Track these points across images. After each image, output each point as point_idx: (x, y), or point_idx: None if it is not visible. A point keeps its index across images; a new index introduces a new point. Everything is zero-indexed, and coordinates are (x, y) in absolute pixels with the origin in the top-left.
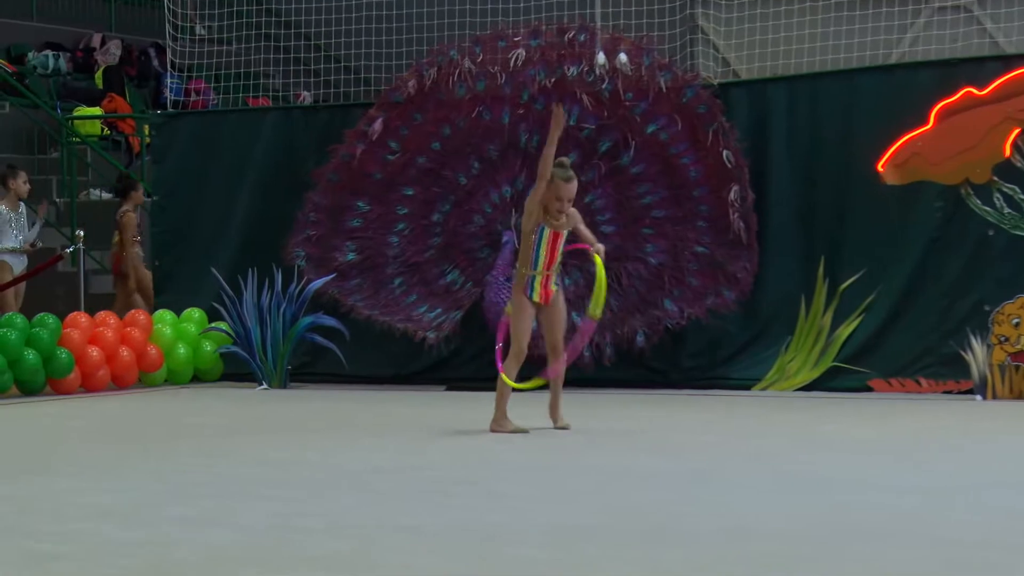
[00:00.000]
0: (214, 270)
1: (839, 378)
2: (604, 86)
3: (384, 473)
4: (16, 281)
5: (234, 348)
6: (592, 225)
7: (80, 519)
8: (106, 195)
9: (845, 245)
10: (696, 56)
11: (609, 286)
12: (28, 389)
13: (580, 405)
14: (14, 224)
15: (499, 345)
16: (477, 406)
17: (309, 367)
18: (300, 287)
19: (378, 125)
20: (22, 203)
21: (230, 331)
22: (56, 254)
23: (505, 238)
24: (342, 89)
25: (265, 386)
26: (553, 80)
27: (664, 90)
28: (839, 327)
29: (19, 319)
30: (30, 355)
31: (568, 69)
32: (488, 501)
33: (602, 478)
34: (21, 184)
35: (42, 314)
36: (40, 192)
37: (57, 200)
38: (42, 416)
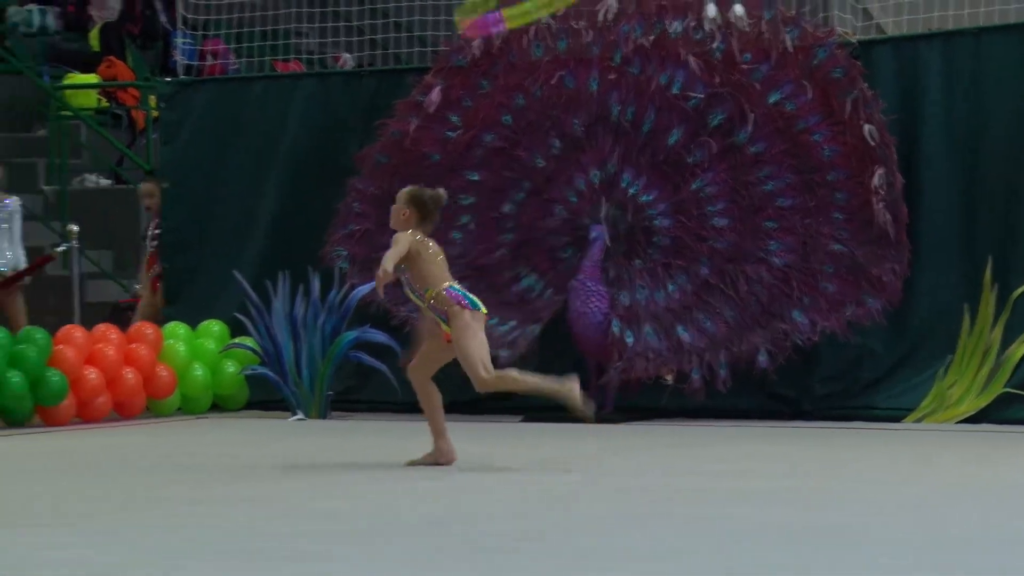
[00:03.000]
0: (237, 274)
1: (1013, 407)
2: (715, 45)
3: (441, 524)
4: None
5: (262, 369)
6: (702, 217)
7: None
8: (104, 182)
9: (1020, 241)
10: (831, 7)
11: (723, 294)
12: (12, 419)
13: (687, 439)
14: None
15: None
16: (560, 441)
17: (354, 393)
18: (342, 294)
19: (436, 95)
20: (13, 196)
21: (257, 348)
22: (44, 255)
23: (594, 233)
24: (392, 50)
25: (300, 416)
26: (652, 38)
27: (791, 50)
28: (1012, 344)
29: (0, 333)
30: (14, 377)
31: (670, 24)
32: (563, 560)
33: (710, 533)
34: None
35: (28, 327)
36: (23, 179)
37: (45, 188)
38: (26, 453)
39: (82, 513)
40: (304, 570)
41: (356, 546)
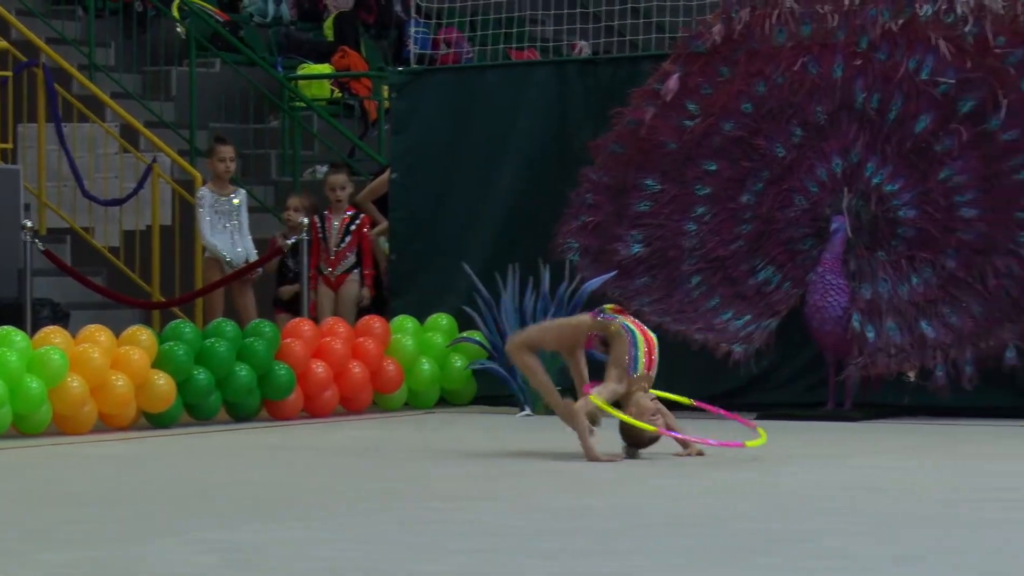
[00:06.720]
0: (465, 266)
1: None
2: (967, 29)
3: (689, 525)
4: (222, 283)
5: (490, 364)
6: (950, 207)
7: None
8: None
9: None
10: None
11: (970, 288)
12: (239, 413)
13: (933, 438)
14: (221, 211)
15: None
16: (796, 438)
17: None
18: (573, 287)
19: (673, 83)
20: (239, 189)
21: (485, 342)
22: (275, 247)
23: (835, 224)
24: (628, 37)
25: (528, 412)
26: (901, 22)
27: None
28: None
29: (229, 327)
30: (242, 371)
31: (920, 7)
32: (831, 560)
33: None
34: (216, 162)
35: (257, 320)
36: (256, 170)
37: (276, 179)
38: (256, 446)
39: (330, 511)
40: (541, 566)
41: (595, 543)
